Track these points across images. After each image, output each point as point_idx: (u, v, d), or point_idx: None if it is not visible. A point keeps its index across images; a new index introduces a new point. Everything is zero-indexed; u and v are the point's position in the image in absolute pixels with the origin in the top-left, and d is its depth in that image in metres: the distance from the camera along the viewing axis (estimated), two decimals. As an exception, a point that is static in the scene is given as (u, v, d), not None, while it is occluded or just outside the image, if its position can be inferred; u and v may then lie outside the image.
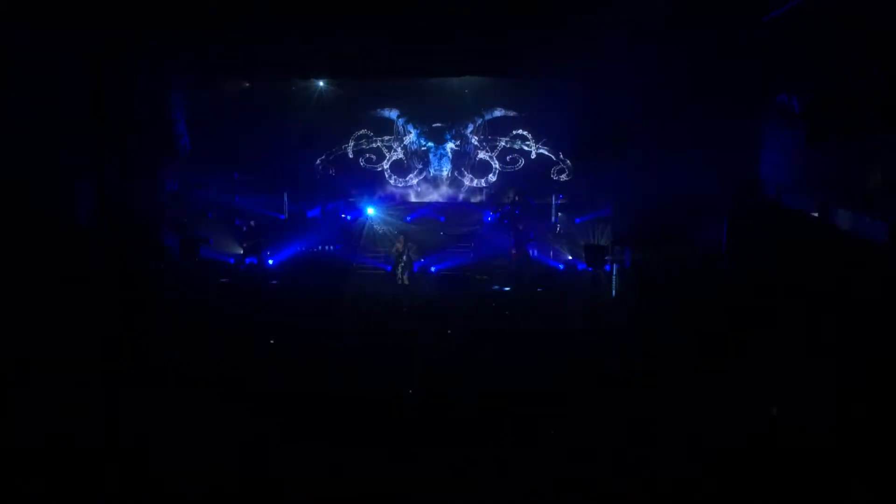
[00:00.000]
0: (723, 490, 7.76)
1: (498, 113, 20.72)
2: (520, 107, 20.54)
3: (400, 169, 21.43)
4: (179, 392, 10.76)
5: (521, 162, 20.91)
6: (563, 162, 20.57)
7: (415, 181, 21.50)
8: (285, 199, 20.86)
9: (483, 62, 15.70)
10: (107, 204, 12.96)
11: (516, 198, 20.59)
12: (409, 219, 20.85)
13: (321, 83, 20.18)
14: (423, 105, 20.77)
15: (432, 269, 18.70)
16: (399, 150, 21.28)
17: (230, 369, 11.95)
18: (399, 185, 21.53)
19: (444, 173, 21.31)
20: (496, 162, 21.01)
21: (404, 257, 17.82)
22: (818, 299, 10.83)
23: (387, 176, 21.43)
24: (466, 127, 20.88)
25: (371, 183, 21.50)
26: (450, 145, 21.08)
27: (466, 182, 21.28)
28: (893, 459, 7.51)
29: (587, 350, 12.67)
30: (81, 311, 11.92)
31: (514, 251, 18.72)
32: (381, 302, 16.47)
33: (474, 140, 20.97)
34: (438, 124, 20.95)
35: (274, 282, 18.13)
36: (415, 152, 21.27)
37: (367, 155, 21.34)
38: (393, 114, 21.05)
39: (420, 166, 21.36)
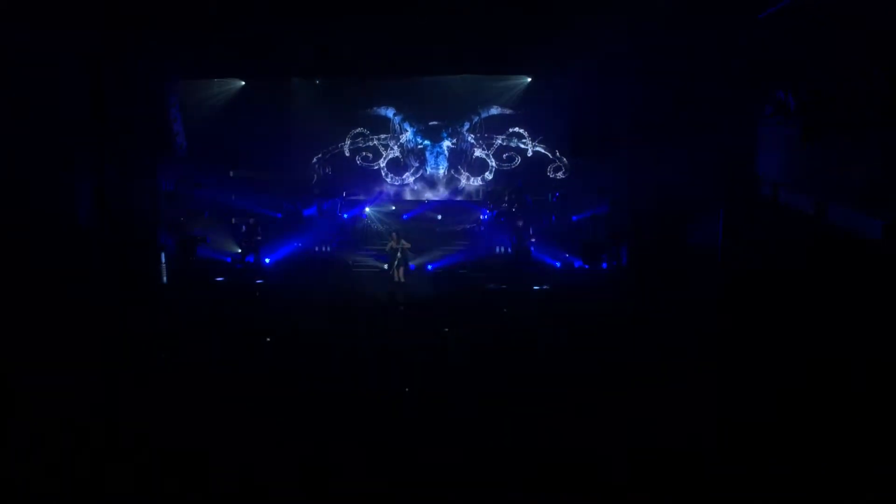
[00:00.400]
0: (722, 490, 7.79)
1: (494, 111, 20.78)
2: (516, 105, 20.58)
3: (396, 167, 21.45)
4: (178, 391, 10.76)
5: (518, 160, 20.97)
6: (560, 160, 20.64)
7: (411, 179, 21.53)
8: (282, 197, 20.87)
9: (481, 61, 15.72)
10: (105, 203, 12.96)
11: (513, 196, 20.66)
12: (405, 217, 20.88)
13: (318, 82, 20.22)
14: (420, 103, 20.84)
15: (428, 266, 18.74)
16: (396, 148, 21.32)
17: (227, 368, 11.95)
18: (395, 183, 21.56)
19: (441, 171, 21.35)
20: (493, 160, 21.05)
21: (399, 255, 17.86)
22: (813, 296, 10.90)
23: (383, 174, 21.45)
24: (463, 125, 20.93)
25: (368, 181, 21.54)
26: (446, 143, 21.13)
27: (463, 180, 21.31)
28: (893, 459, 7.56)
29: (584, 346, 12.70)
30: (81, 310, 11.91)
31: (515, 248, 18.78)
32: (377, 300, 16.48)
33: (471, 138, 21.01)
34: (435, 122, 21.01)
35: (270, 280, 18.13)
36: (411, 150, 21.31)
37: (364, 153, 21.38)
38: (389, 112, 21.09)
39: (417, 164, 21.39)
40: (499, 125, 20.90)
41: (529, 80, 19.99)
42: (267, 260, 18.99)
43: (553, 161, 20.72)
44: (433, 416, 9.92)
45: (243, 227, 19.12)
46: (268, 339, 13.59)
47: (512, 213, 20.03)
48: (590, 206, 19.36)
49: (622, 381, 10.66)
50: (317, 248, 19.83)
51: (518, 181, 20.79)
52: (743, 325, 12.10)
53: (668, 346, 11.92)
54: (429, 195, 21.58)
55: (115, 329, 12.25)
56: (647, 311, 13.90)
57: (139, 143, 14.68)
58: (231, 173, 20.97)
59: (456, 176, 21.33)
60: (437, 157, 21.24)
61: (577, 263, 18.32)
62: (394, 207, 21.24)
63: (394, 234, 18.23)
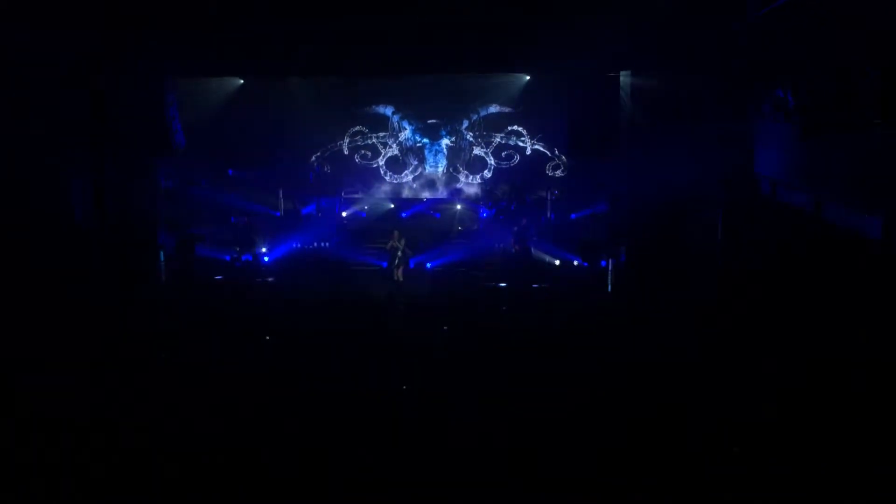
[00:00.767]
0: (722, 490, 7.81)
1: (493, 109, 20.78)
2: (515, 103, 20.58)
3: (395, 165, 21.45)
4: (178, 390, 10.76)
5: (517, 158, 20.98)
6: (559, 158, 20.64)
7: (410, 177, 21.53)
8: (280, 196, 20.87)
9: (480, 59, 15.70)
10: (105, 202, 12.95)
11: (512, 194, 20.68)
12: (404, 215, 20.88)
13: (317, 80, 20.21)
14: (419, 101, 20.82)
15: (428, 265, 18.74)
16: (394, 146, 21.31)
17: (226, 367, 11.95)
18: (394, 181, 21.56)
19: (440, 169, 21.34)
20: (491, 158, 21.05)
21: (399, 253, 17.86)
22: (813, 295, 10.91)
23: (382, 172, 21.44)
24: (461, 123, 20.93)
25: (367, 179, 21.55)
26: (445, 141, 21.13)
27: (462, 178, 21.32)
28: (893, 459, 7.57)
29: (583, 345, 12.72)
30: (80, 310, 11.90)
31: (516, 247, 18.77)
32: (376, 298, 16.48)
33: (469, 136, 21.00)
34: (434, 121, 21.00)
35: (270, 279, 18.13)
36: (410, 148, 21.31)
37: (363, 151, 21.37)
38: (388, 110, 21.08)
39: (415, 162, 21.38)
40: (498, 123, 20.90)
41: (528, 78, 19.99)
42: (266, 258, 18.99)
43: (552, 159, 20.72)
44: (432, 416, 9.93)
45: (240, 226, 19.11)
46: (267, 338, 13.60)
47: (510, 212, 20.03)
48: (589, 204, 19.38)
49: (622, 381, 10.67)
50: (315, 245, 19.84)
51: (517, 179, 20.81)
52: (742, 323, 12.12)
53: (668, 346, 11.93)
54: (427, 193, 21.58)
55: (115, 329, 12.25)
56: (646, 311, 13.92)
57: (138, 142, 14.66)
58: (230, 172, 20.95)
59: (454, 174, 21.33)
60: (435, 155, 21.24)
61: (576, 261, 18.34)
62: (393, 205, 21.24)
63: (395, 232, 18.22)
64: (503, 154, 21.01)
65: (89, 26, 11.34)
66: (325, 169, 21.41)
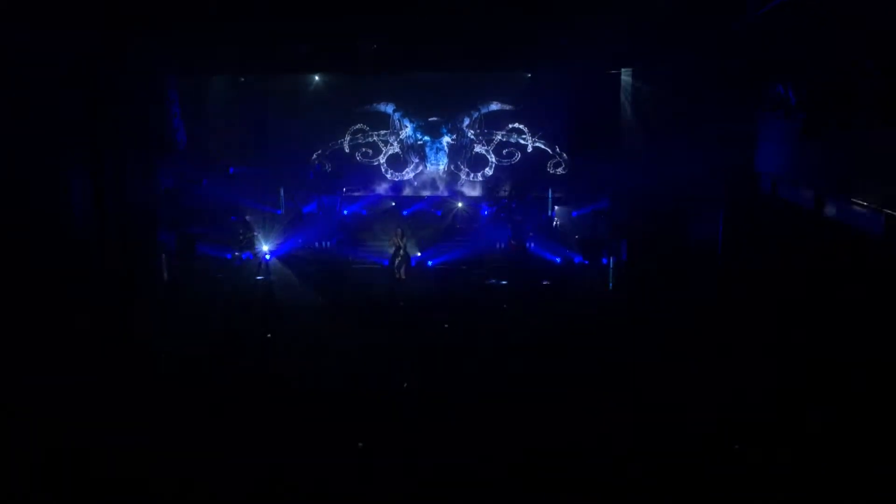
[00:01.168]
0: (723, 490, 7.81)
1: (494, 107, 20.73)
2: (516, 101, 20.56)
3: (396, 163, 21.43)
4: (179, 389, 10.78)
5: (518, 156, 20.94)
6: (560, 155, 20.60)
7: (411, 175, 21.52)
8: (281, 194, 20.85)
9: (481, 57, 15.69)
10: (105, 201, 12.94)
11: (513, 191, 20.67)
12: (405, 213, 20.88)
13: (317, 78, 20.20)
14: (420, 99, 20.78)
15: (429, 263, 18.75)
16: (395, 144, 21.28)
17: (227, 365, 11.98)
18: (395, 178, 21.54)
19: (441, 167, 21.32)
20: (492, 156, 21.02)
21: (401, 251, 17.87)
22: (815, 290, 10.90)
23: (383, 170, 21.43)
24: (462, 121, 20.89)
25: (368, 177, 21.54)
26: (446, 139, 21.09)
27: (463, 176, 21.30)
28: (893, 459, 7.56)
29: (584, 344, 12.72)
30: (81, 310, 11.90)
31: (513, 242, 18.79)
32: (377, 296, 16.50)
33: (470, 134, 20.98)
34: (434, 118, 20.95)
35: (271, 277, 18.15)
36: (411, 146, 21.28)
37: (364, 149, 21.34)
38: (389, 108, 21.03)
39: (416, 160, 21.37)
40: (499, 121, 20.85)
41: (529, 75, 19.97)
42: (267, 256, 19.00)
43: (553, 157, 20.69)
44: (432, 415, 9.93)
45: (240, 224, 19.12)
46: (268, 336, 13.63)
47: (511, 209, 20.03)
48: (590, 201, 19.37)
49: (622, 381, 10.67)
50: (316, 243, 19.85)
51: (518, 177, 20.80)
52: (743, 322, 12.12)
53: (668, 345, 11.92)
54: (428, 191, 21.57)
55: (116, 328, 12.26)
56: (647, 309, 13.91)
57: (139, 141, 14.65)
58: (230, 170, 20.93)
59: (456, 172, 21.31)
60: (436, 152, 21.21)
61: (577, 259, 18.34)
62: (394, 203, 21.24)
63: (398, 230, 18.23)
64: (504, 152, 20.98)
65: (89, 26, 11.33)
66: (326, 167, 21.39)
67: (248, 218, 19.52)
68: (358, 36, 13.99)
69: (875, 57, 8.89)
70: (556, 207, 20.28)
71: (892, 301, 8.96)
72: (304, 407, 10.14)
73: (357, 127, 21.15)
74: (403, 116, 21.08)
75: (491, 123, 20.87)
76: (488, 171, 21.14)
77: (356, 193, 21.46)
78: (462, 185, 21.35)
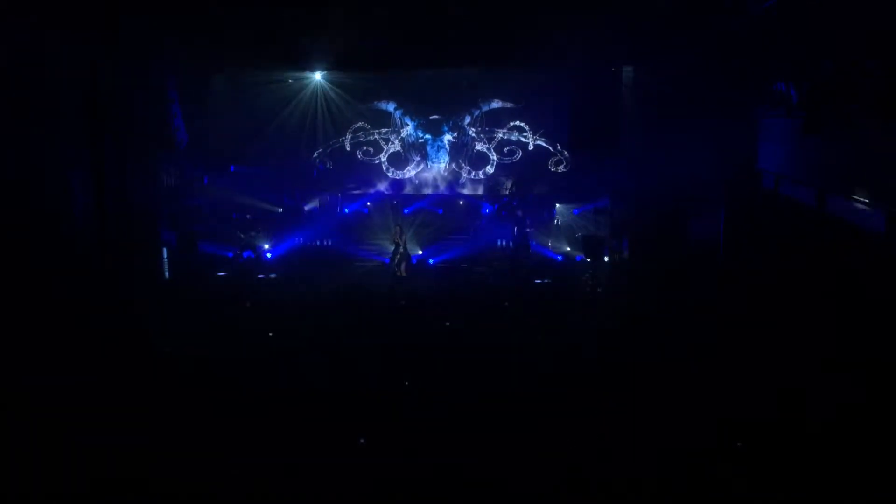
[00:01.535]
0: (723, 490, 7.78)
1: (495, 104, 20.70)
2: (517, 98, 20.53)
3: (398, 161, 21.42)
4: (179, 388, 10.77)
5: (519, 153, 20.91)
6: (561, 153, 20.58)
7: (412, 173, 21.51)
8: (283, 192, 20.86)
9: (482, 55, 15.69)
10: (106, 200, 12.96)
11: (514, 189, 20.64)
12: (406, 211, 20.88)
13: (318, 76, 20.19)
14: (421, 97, 20.76)
15: (430, 261, 18.74)
16: (396, 142, 21.27)
17: (228, 363, 11.97)
18: (397, 177, 21.53)
19: (442, 165, 21.31)
20: (494, 154, 21.00)
21: (402, 249, 17.86)
22: (816, 288, 10.87)
23: (384, 168, 21.42)
24: (464, 119, 20.87)
25: (369, 175, 21.53)
26: (447, 137, 21.06)
27: (464, 174, 21.28)
28: (894, 460, 7.54)
29: (585, 343, 12.70)
30: (81, 309, 11.91)
31: (516, 241, 18.76)
32: (378, 294, 16.49)
33: (472, 132, 20.95)
34: (436, 116, 20.92)
35: (272, 275, 18.16)
36: (412, 144, 21.26)
37: (365, 147, 21.33)
38: (390, 106, 21.02)
39: (418, 158, 21.35)
40: (500, 119, 20.82)
41: (531, 73, 19.92)
42: (269, 255, 19.01)
43: (554, 155, 20.66)
44: (433, 414, 9.91)
45: (241, 223, 19.13)
46: (270, 335, 13.62)
47: (513, 207, 20.01)
48: (591, 199, 19.34)
49: (622, 381, 10.64)
50: (318, 243, 19.85)
51: (519, 175, 20.78)
52: (744, 320, 12.09)
53: (669, 344, 11.89)
54: (429, 189, 21.55)
55: (116, 327, 12.26)
56: (647, 309, 13.88)
57: (139, 140, 14.68)
58: (232, 168, 20.95)
59: (457, 170, 21.29)
60: (438, 151, 21.19)
61: (578, 257, 18.32)
62: (395, 202, 21.23)
63: (397, 227, 18.22)
64: (505, 150, 20.95)
65: (88, 24, 11.34)
66: (328, 165, 21.39)
67: (249, 216, 19.52)
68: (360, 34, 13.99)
69: (876, 53, 8.87)
70: (558, 205, 20.25)
71: (894, 298, 8.94)
72: (304, 406, 10.12)
73: (358, 125, 21.14)
74: (404, 114, 21.07)
75: (492, 121, 20.85)
76: (489, 170, 21.12)
77: (357, 192, 21.46)
78: (463, 184, 21.34)
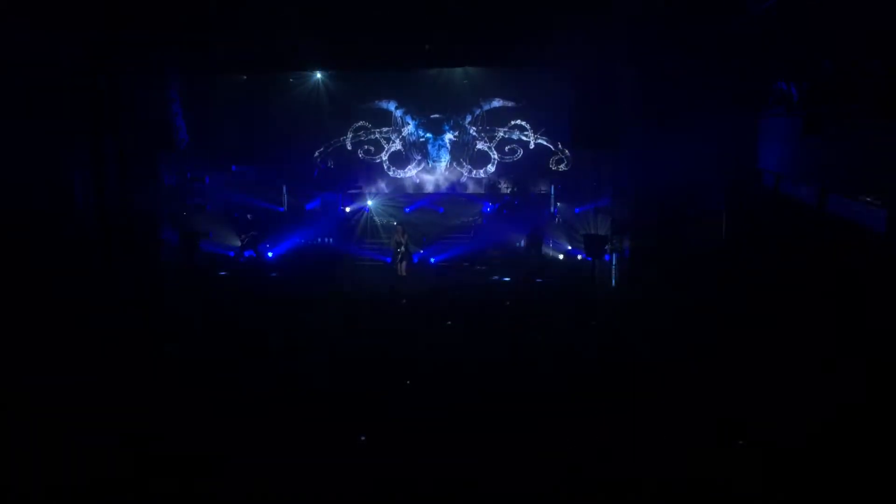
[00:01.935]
0: (723, 490, 7.78)
1: (496, 103, 20.70)
2: (518, 97, 20.51)
3: (399, 160, 21.42)
4: (181, 388, 10.79)
5: (520, 152, 20.91)
6: (562, 152, 20.57)
7: (413, 172, 21.51)
8: (284, 191, 20.88)
9: (483, 53, 15.66)
10: (107, 200, 12.98)
11: (515, 189, 20.63)
12: (407, 210, 20.87)
13: (319, 75, 20.19)
14: (422, 96, 20.76)
15: (432, 260, 18.73)
16: (397, 141, 21.28)
17: (230, 363, 11.97)
18: (398, 175, 21.53)
19: (443, 164, 21.30)
20: (495, 152, 20.99)
21: (403, 248, 17.85)
22: (817, 288, 10.85)
23: (385, 167, 21.42)
24: (465, 118, 20.87)
25: (370, 174, 21.54)
26: (448, 136, 21.06)
27: (465, 173, 21.28)
28: (894, 460, 7.52)
29: (587, 342, 12.69)
30: (81, 309, 11.93)
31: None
32: (380, 294, 16.48)
33: (472, 131, 20.94)
34: (437, 115, 20.93)
35: (273, 275, 18.16)
36: (413, 143, 21.27)
37: (366, 146, 21.35)
38: (391, 105, 21.03)
39: (419, 157, 21.34)
40: (501, 117, 20.82)
41: (531, 72, 19.89)
42: (269, 254, 19.01)
43: (555, 153, 20.65)
44: (434, 414, 9.91)
45: (242, 222, 19.14)
46: (271, 334, 13.63)
47: (514, 206, 19.99)
48: (593, 198, 19.32)
49: (622, 381, 10.63)
50: (319, 241, 19.85)
51: (520, 174, 20.77)
52: (744, 320, 12.07)
53: (668, 345, 11.88)
54: (430, 188, 21.56)
55: (117, 327, 12.28)
56: (648, 309, 13.86)
57: (141, 139, 14.68)
58: (233, 168, 20.96)
59: (458, 168, 21.28)
60: (439, 149, 21.19)
61: (581, 255, 18.29)
62: (397, 201, 21.22)
63: (400, 227, 18.21)
64: (506, 148, 20.95)
65: (91, 25, 11.34)
66: (329, 164, 21.40)
67: (250, 216, 19.53)
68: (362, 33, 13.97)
69: (877, 52, 8.84)
70: (559, 204, 20.23)
71: (894, 298, 8.93)
72: (305, 405, 10.13)
73: (359, 124, 21.16)
74: (406, 113, 21.08)
75: (493, 120, 20.85)
76: (490, 168, 21.11)
77: (357, 190, 21.46)
78: (464, 182, 21.34)
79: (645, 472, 8.14)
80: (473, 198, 21.16)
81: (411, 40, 14.63)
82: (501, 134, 20.86)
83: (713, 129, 13.84)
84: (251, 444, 9.09)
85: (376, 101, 20.95)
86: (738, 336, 11.50)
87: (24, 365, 10.11)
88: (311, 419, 9.65)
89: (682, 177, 14.47)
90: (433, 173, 21.46)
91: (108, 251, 12.89)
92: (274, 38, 13.98)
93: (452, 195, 21.24)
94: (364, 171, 21.48)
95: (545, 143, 20.67)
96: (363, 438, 9.22)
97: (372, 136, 21.26)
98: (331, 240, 19.89)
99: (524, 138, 20.79)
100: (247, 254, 18.78)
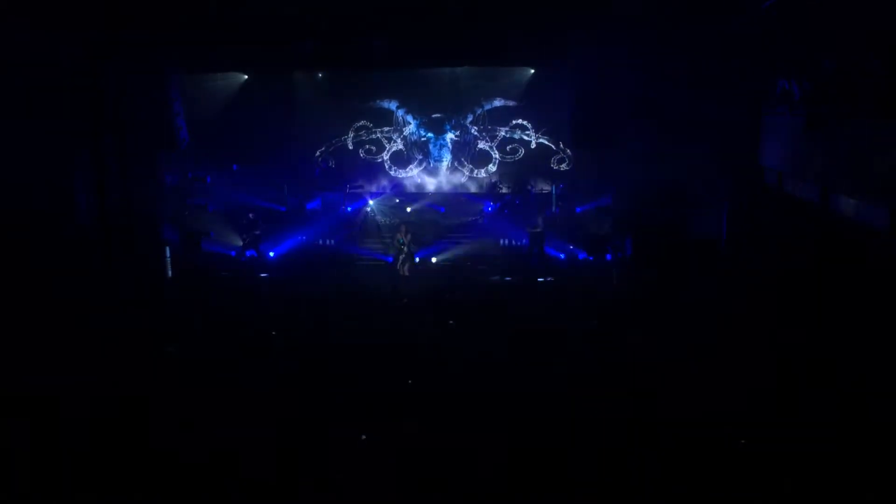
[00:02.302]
0: (723, 490, 7.76)
1: (498, 103, 20.69)
2: (519, 96, 20.49)
3: (400, 159, 21.42)
4: (181, 388, 10.78)
5: (521, 152, 20.90)
6: (564, 151, 20.55)
7: (415, 171, 21.50)
8: (285, 191, 20.88)
9: (484, 52, 15.66)
10: (108, 200, 13.00)
11: (514, 189, 20.61)
12: (409, 210, 20.85)
13: (320, 74, 20.19)
14: (423, 95, 20.77)
15: (433, 259, 18.71)
16: (399, 140, 21.28)
17: (232, 363, 11.97)
18: (399, 175, 21.53)
19: (444, 164, 21.30)
20: (496, 152, 20.98)
21: (405, 248, 17.82)
22: (816, 289, 10.83)
23: (387, 167, 21.42)
24: (466, 117, 20.86)
25: (372, 174, 21.54)
26: (449, 135, 21.06)
27: (466, 172, 21.27)
28: (894, 460, 7.50)
29: (586, 342, 12.67)
30: (81, 309, 11.93)
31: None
32: (381, 293, 16.47)
33: (474, 130, 20.93)
34: (438, 114, 20.94)
35: (275, 275, 18.15)
36: (415, 143, 21.27)
37: (367, 146, 21.36)
38: (392, 104, 21.03)
39: (420, 157, 21.34)
40: (502, 117, 20.81)
41: (533, 71, 19.90)
42: (271, 254, 19.00)
43: (557, 153, 20.63)
44: (435, 413, 9.90)
45: (244, 222, 19.14)
46: (273, 333, 13.62)
47: (515, 205, 19.97)
48: (594, 197, 19.30)
49: (622, 381, 10.61)
50: (320, 242, 19.85)
51: (521, 173, 20.76)
52: (744, 320, 12.05)
53: (670, 343, 11.85)
54: (432, 188, 21.55)
55: (117, 327, 12.28)
56: (649, 308, 13.83)
57: (141, 139, 14.70)
58: (234, 167, 20.97)
59: (459, 168, 21.28)
60: (440, 149, 21.19)
61: (581, 255, 18.28)
62: (398, 200, 21.21)
63: (402, 227, 18.20)
64: (508, 148, 20.94)
65: (91, 25, 11.36)
66: (331, 164, 21.40)
67: (251, 215, 19.53)
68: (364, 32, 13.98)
69: (879, 50, 8.82)
70: (560, 203, 20.21)
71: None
72: (305, 405, 10.12)
73: (360, 124, 21.16)
74: (407, 113, 21.08)
75: (494, 119, 20.85)
76: (492, 168, 21.10)
77: (359, 190, 21.46)
78: (466, 182, 21.33)
79: (645, 472, 8.13)
80: (475, 197, 21.14)
81: (411, 40, 14.65)
82: (503, 133, 20.85)
83: (714, 129, 13.83)
84: (250, 445, 9.08)
85: (377, 101, 20.94)
86: (737, 336, 11.47)
87: (23, 365, 10.10)
88: (310, 419, 9.65)
89: (684, 175, 14.47)
90: (435, 173, 21.44)
91: (108, 251, 12.89)
92: (274, 38, 13.99)
93: (454, 194, 21.22)
94: (366, 170, 21.48)
95: (546, 142, 20.65)
96: (364, 437, 9.21)
97: (373, 136, 21.26)
98: (332, 240, 19.88)
99: (525, 138, 20.78)
100: (248, 253, 18.78)
